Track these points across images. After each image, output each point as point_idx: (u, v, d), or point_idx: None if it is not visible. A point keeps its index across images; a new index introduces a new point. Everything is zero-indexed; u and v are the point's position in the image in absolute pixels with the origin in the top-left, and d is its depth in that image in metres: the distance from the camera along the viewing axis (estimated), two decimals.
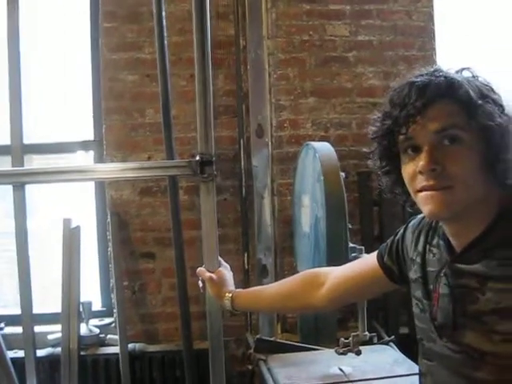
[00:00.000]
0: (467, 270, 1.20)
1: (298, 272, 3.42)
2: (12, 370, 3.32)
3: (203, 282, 1.91)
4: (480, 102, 1.14)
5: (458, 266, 1.22)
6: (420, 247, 1.37)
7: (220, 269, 1.90)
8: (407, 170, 1.21)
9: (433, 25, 3.77)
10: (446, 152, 1.14)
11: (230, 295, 1.81)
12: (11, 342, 3.41)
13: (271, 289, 1.86)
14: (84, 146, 3.73)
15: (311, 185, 3.00)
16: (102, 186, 3.69)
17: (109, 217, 3.60)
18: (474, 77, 1.21)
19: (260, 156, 3.55)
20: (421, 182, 1.16)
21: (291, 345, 3.05)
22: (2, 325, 3.56)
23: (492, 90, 1.19)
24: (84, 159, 3.76)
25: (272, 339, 3.13)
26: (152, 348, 3.61)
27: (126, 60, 3.61)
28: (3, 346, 3.37)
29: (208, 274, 1.87)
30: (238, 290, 1.85)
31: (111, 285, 3.65)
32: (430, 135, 1.15)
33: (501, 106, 1.17)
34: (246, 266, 3.64)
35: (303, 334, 3.23)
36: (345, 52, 3.70)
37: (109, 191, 3.64)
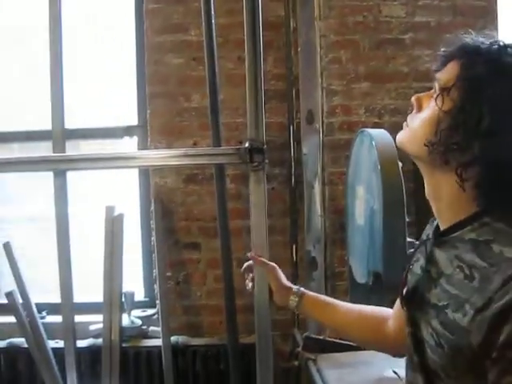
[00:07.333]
0: (436, 254, 1.22)
1: (349, 266, 3.28)
2: (53, 360, 3.27)
3: (253, 279, 1.75)
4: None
5: (434, 248, 1.24)
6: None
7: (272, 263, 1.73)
8: None
9: (495, 4, 3.54)
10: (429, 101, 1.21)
11: (300, 294, 1.61)
12: (53, 331, 3.36)
13: (343, 304, 1.64)
14: (128, 131, 3.62)
15: (367, 175, 2.82)
16: (146, 173, 3.59)
17: (152, 205, 3.50)
18: None
19: (310, 143, 3.38)
20: None
21: (342, 344, 2.89)
22: (44, 314, 3.50)
23: None
24: (128, 145, 3.66)
25: (321, 337, 2.96)
26: (195, 341, 3.51)
27: (171, 42, 3.49)
28: (44, 335, 3.32)
29: (271, 264, 1.62)
30: (306, 290, 1.64)
31: (154, 275, 3.55)
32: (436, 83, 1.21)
33: None
34: (295, 259, 3.50)
35: None
36: (401, 34, 3.50)
37: (153, 178, 3.53)
